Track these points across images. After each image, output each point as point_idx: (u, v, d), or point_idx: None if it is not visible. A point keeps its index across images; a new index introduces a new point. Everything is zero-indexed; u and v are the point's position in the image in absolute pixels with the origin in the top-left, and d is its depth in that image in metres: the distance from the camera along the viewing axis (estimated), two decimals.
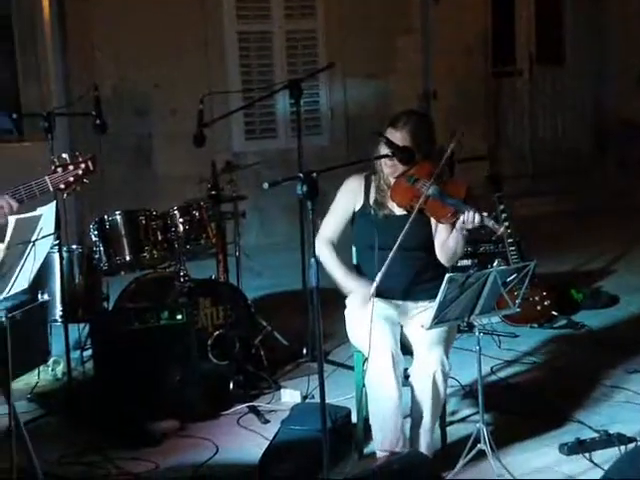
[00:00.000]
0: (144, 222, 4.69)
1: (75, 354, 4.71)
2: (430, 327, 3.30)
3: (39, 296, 3.20)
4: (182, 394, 4.12)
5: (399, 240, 3.44)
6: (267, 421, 4.09)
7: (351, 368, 4.33)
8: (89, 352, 4.76)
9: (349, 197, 3.76)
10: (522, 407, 4.14)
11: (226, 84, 7.45)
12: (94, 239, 4.72)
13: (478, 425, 3.45)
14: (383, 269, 3.44)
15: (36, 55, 7.71)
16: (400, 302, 3.66)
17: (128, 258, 4.65)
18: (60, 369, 4.70)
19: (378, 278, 3.46)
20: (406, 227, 3.45)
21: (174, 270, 4.85)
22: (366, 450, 3.68)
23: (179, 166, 7.43)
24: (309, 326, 4.82)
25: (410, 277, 3.64)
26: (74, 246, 4.82)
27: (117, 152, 7.18)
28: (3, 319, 2.82)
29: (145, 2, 7.22)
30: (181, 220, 4.73)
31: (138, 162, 7.50)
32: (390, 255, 3.43)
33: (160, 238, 4.71)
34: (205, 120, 4.98)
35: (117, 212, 4.69)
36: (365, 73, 8.03)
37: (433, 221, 3.63)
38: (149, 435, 3.92)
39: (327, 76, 7.58)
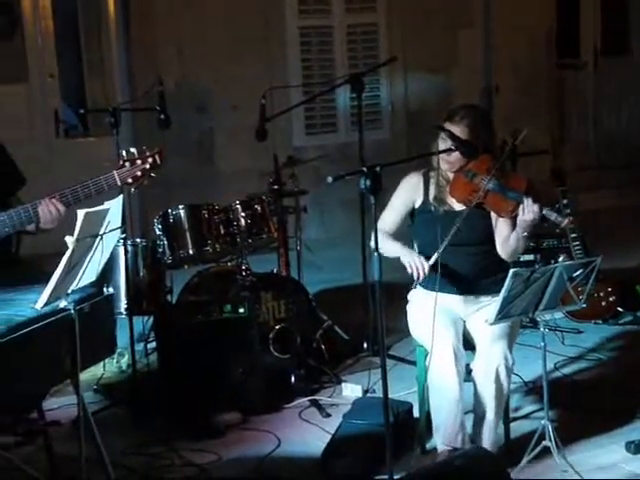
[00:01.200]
0: (207, 216, 4.72)
1: (139, 346, 4.78)
2: (494, 322, 3.28)
3: (104, 289, 3.24)
4: (244, 387, 4.16)
5: (450, 234, 3.44)
6: (328, 415, 4.10)
7: (412, 363, 4.33)
8: (153, 344, 4.84)
9: (408, 194, 3.74)
10: (587, 404, 4.09)
11: (287, 79, 7.46)
12: (158, 233, 4.77)
13: (543, 422, 3.41)
14: (440, 248, 3.43)
15: (101, 51, 7.84)
16: (463, 297, 3.63)
17: (191, 252, 4.69)
18: (125, 361, 4.78)
19: (435, 256, 3.45)
20: (458, 222, 3.45)
21: (236, 264, 4.89)
22: (428, 445, 3.67)
23: (240, 161, 7.48)
24: (370, 320, 4.83)
25: (473, 272, 3.61)
26: (138, 240, 4.86)
27: (179, 147, 7.23)
28: (72, 311, 2.86)
29: None
30: (243, 214, 4.76)
31: (200, 157, 7.56)
32: (442, 245, 3.43)
33: (222, 232, 4.73)
34: (267, 115, 5.00)
35: (180, 206, 4.73)
36: (426, 67, 7.98)
37: (493, 215, 3.60)
38: (212, 427, 3.96)
39: (388, 70, 7.54)
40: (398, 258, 3.59)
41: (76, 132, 8.24)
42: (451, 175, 3.65)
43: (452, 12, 8.02)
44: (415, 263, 3.50)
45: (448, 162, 3.61)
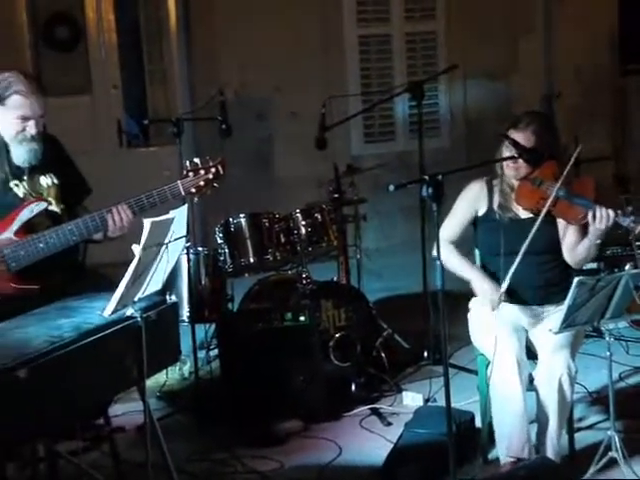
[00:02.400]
0: (267, 225, 4.76)
1: (201, 354, 4.83)
2: (559, 331, 3.25)
3: (167, 297, 3.29)
4: (305, 395, 4.17)
5: (526, 243, 3.40)
6: (389, 423, 4.09)
7: (473, 372, 4.31)
8: (214, 352, 4.90)
9: (471, 202, 3.73)
10: None
11: (346, 87, 7.47)
12: (219, 241, 4.82)
13: (609, 432, 3.36)
14: (510, 272, 3.41)
15: (162, 62, 7.95)
16: (526, 306, 3.61)
17: (252, 260, 4.73)
18: (187, 368, 4.83)
19: (506, 282, 3.44)
20: (533, 230, 3.41)
21: (296, 272, 4.92)
22: (490, 456, 3.64)
23: (298, 169, 7.51)
24: (430, 329, 4.81)
25: (537, 280, 3.58)
26: (200, 248, 4.92)
27: (238, 155, 7.28)
28: (138, 319, 2.90)
29: (267, 8, 7.32)
30: (303, 223, 4.78)
31: (258, 165, 7.61)
32: (517, 259, 3.40)
33: (283, 240, 4.76)
34: (326, 124, 5.02)
35: (242, 215, 4.78)
36: (486, 74, 7.92)
37: (561, 223, 3.57)
38: (274, 435, 3.98)
39: (447, 77, 7.51)
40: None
41: (138, 142, 8.37)
42: (516, 183, 3.63)
43: (512, 18, 7.95)
44: (487, 294, 3.52)
45: (514, 169, 3.59)
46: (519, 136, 3.52)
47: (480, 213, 3.70)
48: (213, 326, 4.96)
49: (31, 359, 2.47)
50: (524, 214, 3.61)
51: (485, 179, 3.73)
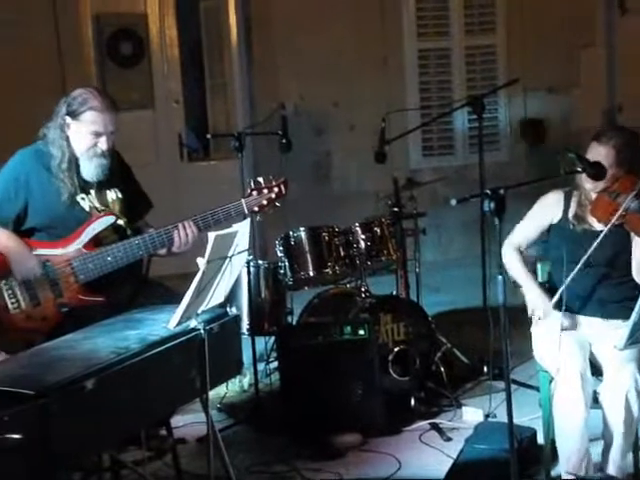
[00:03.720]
0: (327, 238, 4.78)
1: (260, 366, 4.86)
2: (624, 347, 3.20)
3: (228, 310, 3.33)
4: (364, 408, 4.17)
5: (587, 254, 3.39)
6: (449, 439, 4.07)
7: (534, 388, 4.27)
8: (274, 364, 4.93)
9: (547, 210, 3.75)
10: None
11: (404, 101, 7.49)
12: (279, 254, 4.84)
13: None
14: (565, 282, 3.40)
15: (224, 77, 8.04)
16: (591, 319, 3.58)
17: (312, 273, 4.74)
18: (246, 381, 4.87)
19: (558, 294, 3.41)
20: (597, 241, 3.40)
21: (355, 286, 4.93)
22: (553, 473, 3.60)
23: (356, 182, 7.54)
24: (490, 343, 4.77)
25: (604, 294, 3.56)
26: (260, 261, 4.96)
27: (297, 169, 7.32)
28: (202, 331, 2.94)
29: (326, 22, 7.38)
30: (363, 236, 4.79)
31: (316, 179, 7.65)
32: (575, 269, 3.39)
33: (342, 254, 4.78)
34: (385, 137, 5.03)
35: (301, 228, 4.80)
36: (546, 87, 7.87)
37: (635, 239, 3.54)
38: (333, 448, 3.99)
39: (506, 91, 7.48)
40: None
41: (198, 156, 8.48)
42: (594, 195, 3.62)
43: (573, 31, 7.89)
44: (536, 305, 3.51)
45: (590, 182, 3.59)
46: (600, 149, 3.53)
47: (554, 221, 3.72)
48: (272, 339, 4.99)
49: (99, 370, 2.51)
50: (599, 226, 3.60)
51: (564, 190, 3.74)
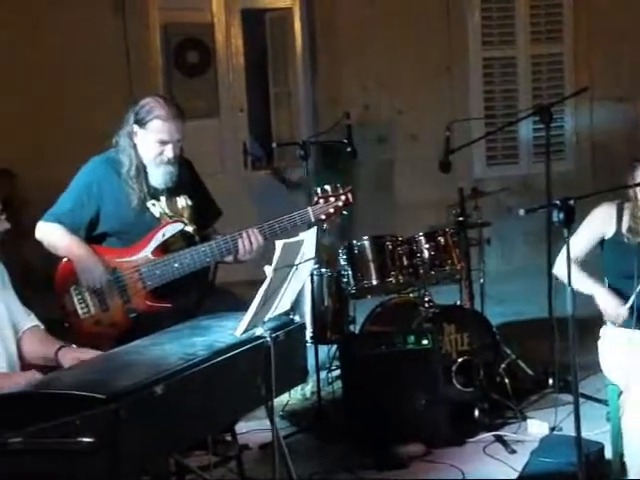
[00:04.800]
0: (390, 247, 4.76)
1: (322, 374, 4.86)
2: None
3: (293, 318, 3.34)
4: (427, 419, 4.15)
5: None
6: (514, 451, 4.03)
7: (601, 401, 4.20)
8: (335, 372, 4.93)
9: (599, 224, 3.68)
10: None
11: (468, 110, 7.45)
12: (342, 263, 4.85)
13: None
14: (636, 291, 3.34)
15: (288, 86, 8.09)
16: None
17: (375, 282, 4.73)
18: (309, 388, 4.87)
19: (631, 300, 3.36)
20: None
21: (418, 295, 4.91)
22: None
23: (419, 192, 7.50)
24: (555, 356, 4.71)
25: None
26: (323, 270, 4.97)
27: (359, 178, 7.35)
28: (268, 339, 2.95)
29: (391, 31, 7.38)
30: (426, 246, 4.77)
31: (379, 188, 7.64)
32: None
33: (406, 263, 4.76)
34: (450, 146, 5.01)
35: (365, 237, 4.80)
36: (615, 97, 7.75)
37: None
38: (396, 457, 3.97)
39: (573, 100, 7.37)
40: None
41: (261, 164, 8.53)
42: None
43: None
44: (611, 310, 3.44)
45: None
46: None
47: (608, 236, 3.65)
48: (334, 347, 5.00)
49: (167, 376, 2.53)
50: None
51: (616, 202, 3.67)
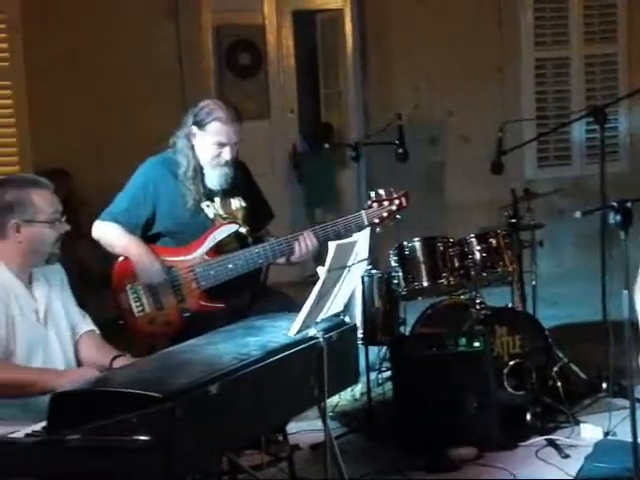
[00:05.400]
0: (442, 249, 4.73)
1: (372, 375, 4.85)
2: None
3: (346, 319, 3.34)
4: (478, 422, 4.12)
5: None
6: (567, 456, 3.98)
7: None
8: (385, 374, 4.92)
9: None
10: None
11: (520, 111, 7.40)
12: (393, 264, 4.83)
13: None
14: None
15: (338, 86, 8.10)
16: None
17: (425, 284, 4.71)
18: (358, 389, 4.87)
19: None
20: None
21: (469, 297, 4.88)
22: None
23: (470, 193, 7.46)
24: (610, 359, 4.65)
25: None
26: (374, 271, 4.96)
27: (409, 179, 7.29)
28: (321, 340, 2.96)
29: (442, 31, 7.36)
30: (478, 248, 4.73)
31: (429, 189, 7.61)
32: None
33: (457, 265, 4.73)
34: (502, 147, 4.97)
35: (416, 239, 4.78)
36: None
37: None
38: (447, 460, 3.95)
39: (627, 100, 7.29)
40: None
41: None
42: None
43: None
44: None
45: None
46: None
47: None
48: (384, 348, 4.99)
49: (222, 375, 2.55)
50: None
51: None
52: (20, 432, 2.52)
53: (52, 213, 3.00)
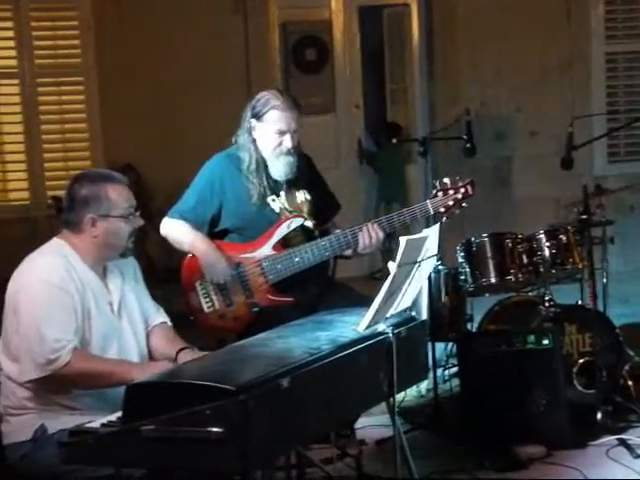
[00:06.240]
0: (510, 245, 4.67)
1: (438, 372, 4.83)
2: None
3: (415, 314, 3.33)
4: (547, 420, 4.07)
5: None
6: (638, 456, 3.91)
7: None
8: (451, 370, 4.89)
9: None
10: None
11: (590, 106, 7.28)
12: (460, 260, 4.80)
13: None
14: None
15: (404, 81, 8.07)
16: None
17: (493, 280, 4.66)
18: (424, 386, 4.84)
19: None
20: None
21: (537, 294, 4.82)
22: None
23: (537, 189, 7.37)
24: None
25: None
26: (441, 267, 4.93)
27: (476, 174, 7.20)
28: (390, 335, 2.95)
29: (509, 26, 7.28)
30: (547, 244, 4.66)
31: (496, 185, 7.54)
32: None
33: (525, 262, 4.67)
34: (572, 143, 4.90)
35: (484, 235, 4.73)
36: None
37: None
38: (516, 459, 3.91)
39: None
40: None
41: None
42: None
43: None
44: None
45: None
46: None
47: None
48: (450, 345, 4.96)
49: (293, 369, 2.56)
50: None
51: None
52: (95, 422, 2.56)
53: (127, 208, 3.04)
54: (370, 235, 3.67)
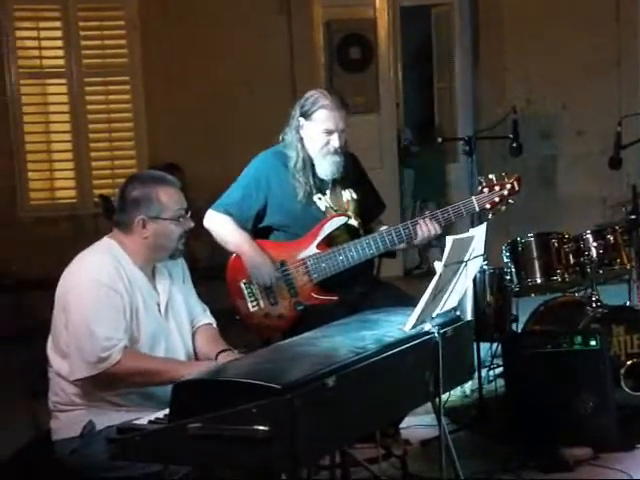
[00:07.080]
0: (556, 245, 4.63)
1: (483, 372, 4.80)
2: None
3: (461, 314, 3.31)
4: (594, 422, 4.02)
5: None
6: None
7: None
8: (496, 371, 4.86)
9: None
10: None
11: (637, 105, 7.18)
12: (505, 260, 4.76)
13: None
14: None
15: (450, 81, 8.04)
16: None
17: (539, 280, 4.62)
18: (468, 386, 4.81)
19: None
20: None
21: (584, 295, 4.77)
22: None
23: (583, 189, 7.30)
24: None
25: None
26: (486, 266, 4.90)
27: (521, 173, 7.21)
28: (436, 335, 2.94)
29: (555, 24, 7.23)
30: (594, 244, 4.61)
31: (541, 184, 7.48)
32: None
33: (572, 262, 4.63)
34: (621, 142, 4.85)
35: (530, 234, 4.70)
36: None
37: None
38: (561, 460, 3.87)
39: None
40: None
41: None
42: None
43: None
44: None
45: None
46: None
47: None
48: (495, 345, 4.92)
49: (339, 368, 2.55)
50: None
51: None
52: (143, 419, 2.58)
53: (177, 210, 3.05)
54: (426, 228, 3.66)
